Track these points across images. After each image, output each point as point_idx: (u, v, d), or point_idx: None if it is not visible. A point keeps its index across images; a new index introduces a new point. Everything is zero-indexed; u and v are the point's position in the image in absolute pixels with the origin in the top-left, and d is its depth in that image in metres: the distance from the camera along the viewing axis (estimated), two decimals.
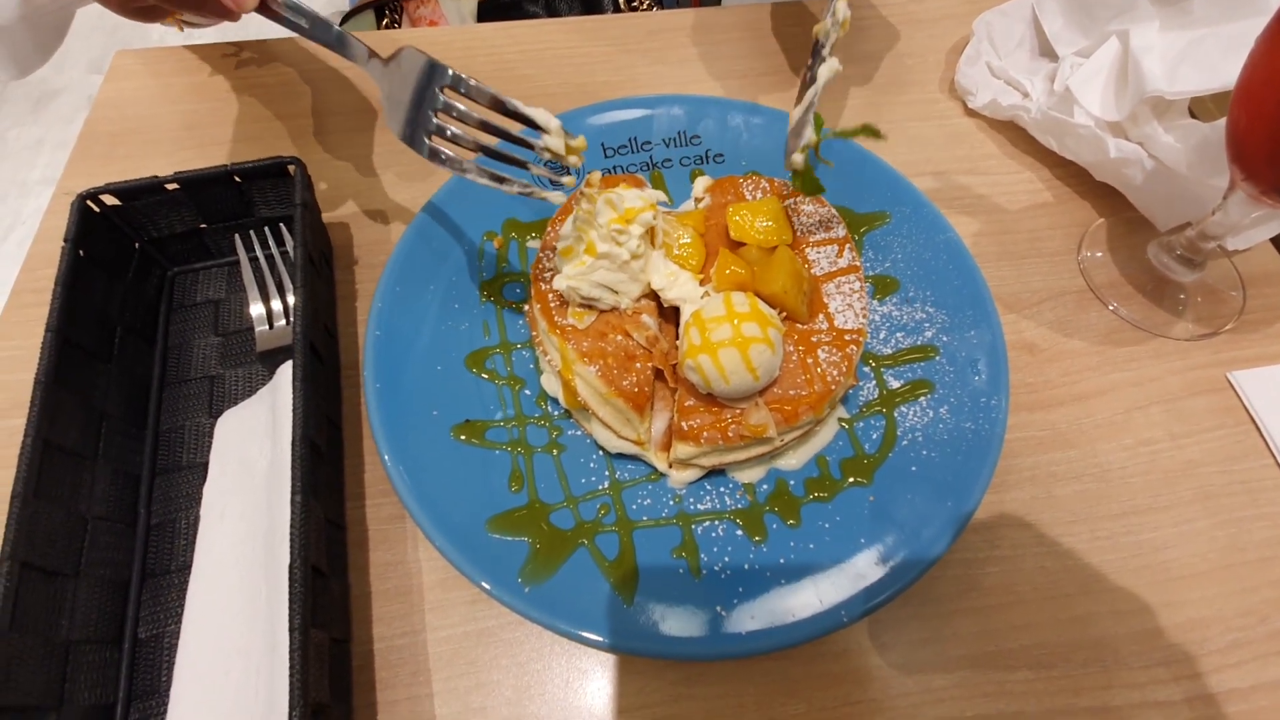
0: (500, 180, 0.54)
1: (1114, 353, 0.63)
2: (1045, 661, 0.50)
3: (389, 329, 0.57)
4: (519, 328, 0.61)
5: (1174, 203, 0.65)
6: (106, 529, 0.50)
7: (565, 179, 0.53)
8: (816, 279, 0.57)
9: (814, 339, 0.54)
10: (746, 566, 0.50)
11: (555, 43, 0.84)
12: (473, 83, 0.51)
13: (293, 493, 0.44)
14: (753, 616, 0.47)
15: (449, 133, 0.53)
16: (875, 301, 0.62)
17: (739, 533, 0.51)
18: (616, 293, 0.54)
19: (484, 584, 0.47)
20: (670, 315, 0.58)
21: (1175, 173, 0.63)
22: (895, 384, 0.58)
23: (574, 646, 0.50)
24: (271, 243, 0.63)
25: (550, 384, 0.58)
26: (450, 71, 0.52)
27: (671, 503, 0.53)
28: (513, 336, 0.61)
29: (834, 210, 0.62)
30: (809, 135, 0.56)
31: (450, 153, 0.54)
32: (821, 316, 0.55)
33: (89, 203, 0.56)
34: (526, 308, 0.61)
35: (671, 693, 0.49)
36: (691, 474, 0.54)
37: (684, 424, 0.51)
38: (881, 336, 0.61)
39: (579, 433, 0.56)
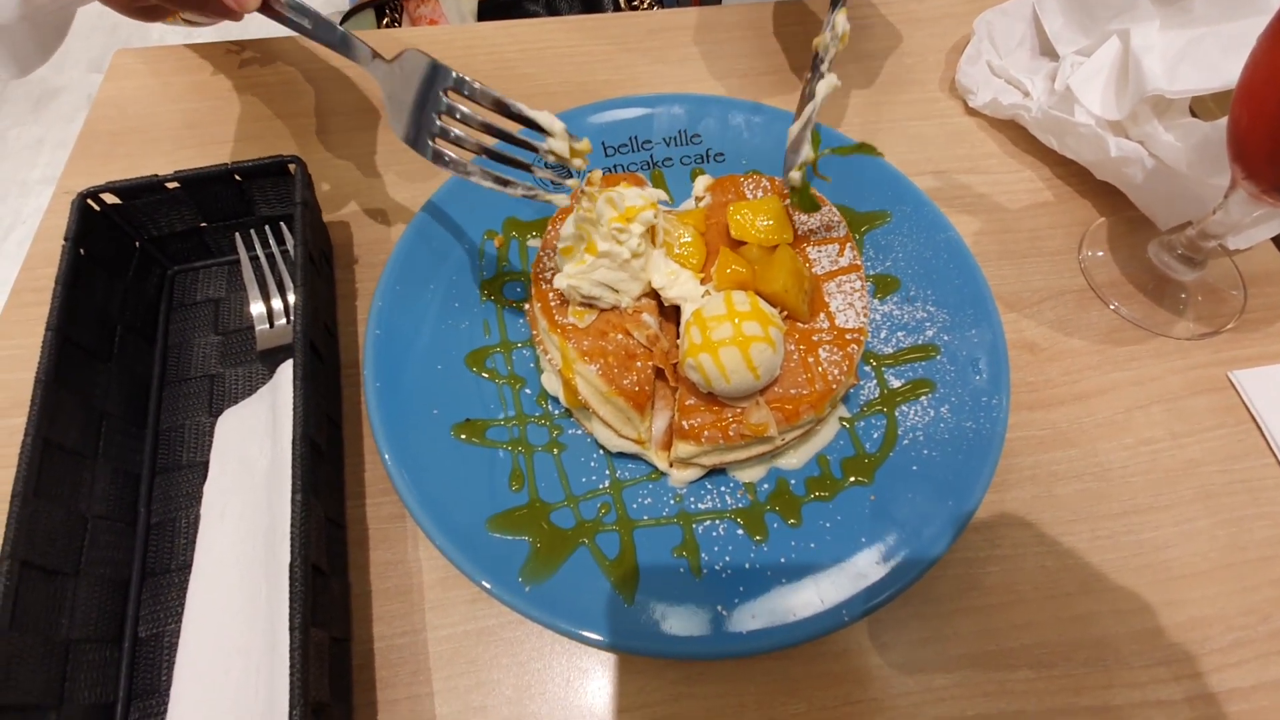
0: (504, 183, 0.54)
1: (1115, 352, 0.63)
2: (1046, 661, 0.50)
3: (389, 328, 0.57)
4: (519, 327, 0.61)
5: (1175, 202, 0.65)
6: (106, 528, 0.50)
7: (569, 181, 0.53)
8: (817, 278, 0.57)
9: (815, 338, 0.54)
10: (747, 566, 0.50)
11: (556, 41, 0.84)
12: (476, 85, 0.51)
13: (293, 491, 0.44)
14: (753, 616, 0.47)
15: (452, 135, 0.53)
16: (876, 300, 0.62)
17: (740, 532, 0.51)
18: (617, 291, 0.54)
19: (484, 583, 0.47)
20: (671, 314, 0.58)
21: (1176, 172, 0.63)
22: (896, 383, 0.58)
23: (574, 645, 0.50)
24: (272, 241, 0.63)
25: (551, 383, 0.57)
26: (453, 73, 0.52)
27: (672, 502, 0.53)
28: (513, 335, 0.61)
29: (835, 209, 0.62)
30: (806, 152, 0.56)
31: (454, 155, 0.54)
32: (822, 315, 0.55)
33: (89, 201, 0.56)
34: (527, 306, 0.61)
35: (672, 692, 0.49)
36: (692, 473, 0.54)
37: (685, 423, 0.51)
38: (882, 336, 0.60)
39: (579, 432, 0.56)
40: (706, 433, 0.51)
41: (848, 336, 0.54)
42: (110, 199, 0.57)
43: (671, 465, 0.54)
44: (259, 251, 0.62)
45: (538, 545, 0.50)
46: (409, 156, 0.56)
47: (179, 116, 0.77)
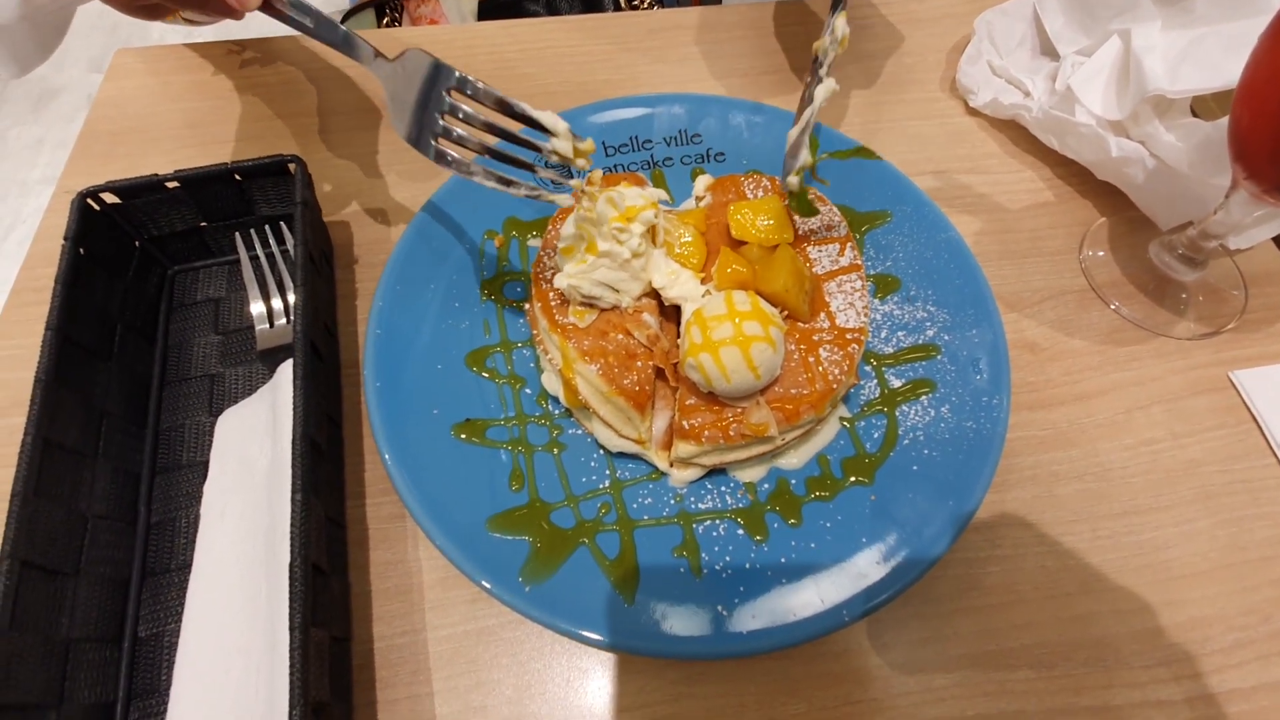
0: (507, 183, 0.54)
1: (1115, 352, 0.63)
2: (1046, 661, 0.50)
3: (389, 327, 0.57)
4: (519, 326, 0.61)
5: (1176, 202, 0.65)
6: (107, 527, 0.50)
7: (572, 181, 0.53)
8: (818, 277, 0.57)
9: (815, 338, 0.54)
10: (747, 566, 0.50)
11: (556, 41, 0.84)
12: (479, 84, 0.51)
13: (293, 491, 0.44)
14: (754, 616, 0.47)
15: (455, 134, 0.53)
16: (876, 300, 0.62)
17: (740, 532, 0.51)
18: (617, 291, 0.54)
19: (484, 583, 0.47)
20: (671, 314, 0.58)
21: (1177, 172, 0.63)
22: (896, 383, 0.58)
23: (575, 645, 0.50)
24: (272, 241, 0.63)
25: (551, 383, 0.57)
26: (456, 73, 0.52)
27: (672, 502, 0.53)
28: (513, 335, 0.61)
29: (835, 209, 0.62)
30: (805, 157, 0.56)
31: (456, 154, 0.54)
32: (823, 315, 0.55)
33: (89, 201, 0.56)
34: (527, 306, 0.61)
35: (672, 692, 0.48)
36: (692, 473, 0.54)
37: (685, 423, 0.51)
38: (883, 335, 0.60)
39: (580, 431, 0.56)
40: (707, 432, 0.51)
41: (848, 336, 0.54)
42: (110, 198, 0.57)
43: (672, 465, 0.54)
44: (259, 251, 0.62)
45: (538, 545, 0.50)
46: (409, 156, 0.56)
47: (179, 116, 0.77)
